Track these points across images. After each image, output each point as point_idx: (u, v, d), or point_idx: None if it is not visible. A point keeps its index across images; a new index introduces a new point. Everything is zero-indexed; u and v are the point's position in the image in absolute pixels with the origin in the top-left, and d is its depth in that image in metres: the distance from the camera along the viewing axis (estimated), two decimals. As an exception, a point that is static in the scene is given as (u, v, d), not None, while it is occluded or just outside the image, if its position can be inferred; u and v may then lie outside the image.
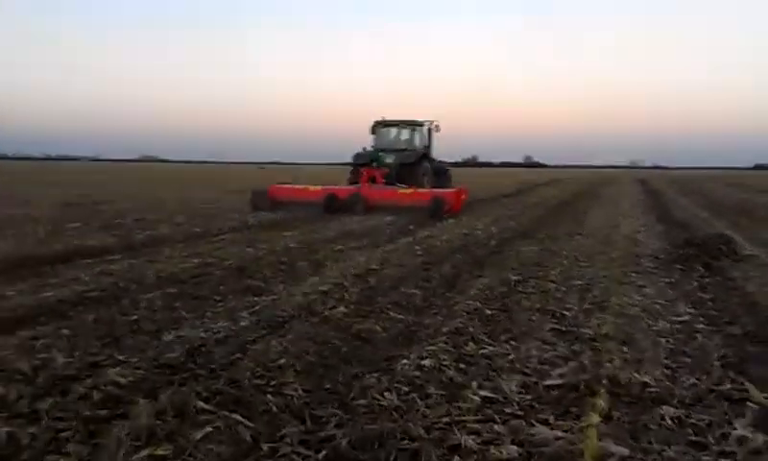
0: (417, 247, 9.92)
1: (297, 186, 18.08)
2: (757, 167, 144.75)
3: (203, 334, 4.91)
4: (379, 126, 19.70)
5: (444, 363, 4.22)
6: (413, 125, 19.64)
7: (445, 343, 4.66)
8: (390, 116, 19.92)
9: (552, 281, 7.04)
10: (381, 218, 14.59)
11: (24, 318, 5.44)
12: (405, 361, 4.23)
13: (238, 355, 4.41)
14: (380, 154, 18.69)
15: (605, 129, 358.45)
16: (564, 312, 5.70)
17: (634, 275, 7.64)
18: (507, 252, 9.53)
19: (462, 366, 4.21)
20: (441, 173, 19.93)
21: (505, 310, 5.78)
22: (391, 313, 5.67)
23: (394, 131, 19.89)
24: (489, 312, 5.70)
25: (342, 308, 5.68)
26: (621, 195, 26.15)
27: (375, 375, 4.05)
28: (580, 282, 7.14)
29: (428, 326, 5.28)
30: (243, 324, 5.24)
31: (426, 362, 4.20)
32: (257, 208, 16.06)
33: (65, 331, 4.85)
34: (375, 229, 12.68)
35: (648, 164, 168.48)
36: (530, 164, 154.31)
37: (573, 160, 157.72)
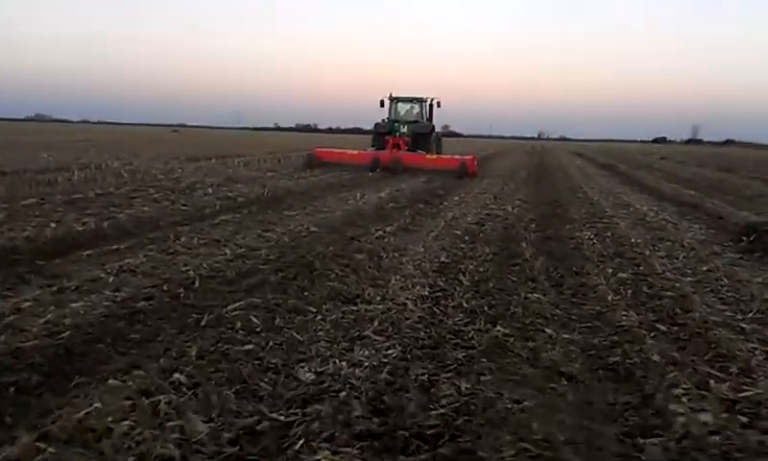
0: (456, 231, 8.93)
1: (337, 150, 22.14)
2: (656, 140, 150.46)
3: (356, 371, 3.71)
4: (393, 101, 22.71)
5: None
6: (420, 100, 22.87)
7: (691, 386, 3.66)
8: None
9: (667, 279, 6.25)
10: (375, 195, 13.44)
11: (77, 347, 4.01)
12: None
13: (442, 411, 3.26)
14: (395, 124, 22.06)
15: (515, 99, 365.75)
16: (742, 325, 4.87)
17: (737, 268, 6.99)
18: (563, 238, 8.72)
19: (740, 429, 3.23)
20: (437, 140, 23.22)
21: (675, 325, 4.88)
22: (546, 330, 4.65)
23: (406, 105, 22.93)
24: (661, 327, 4.78)
25: (494, 330, 4.57)
26: (583, 168, 26.24)
27: None
28: (692, 279, 6.41)
29: (614, 349, 4.30)
30: (389, 352, 4.07)
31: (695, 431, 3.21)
32: (309, 167, 19.60)
33: (180, 376, 3.49)
34: (381, 207, 11.53)
35: (555, 136, 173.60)
36: (448, 134, 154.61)
37: (484, 131, 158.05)
